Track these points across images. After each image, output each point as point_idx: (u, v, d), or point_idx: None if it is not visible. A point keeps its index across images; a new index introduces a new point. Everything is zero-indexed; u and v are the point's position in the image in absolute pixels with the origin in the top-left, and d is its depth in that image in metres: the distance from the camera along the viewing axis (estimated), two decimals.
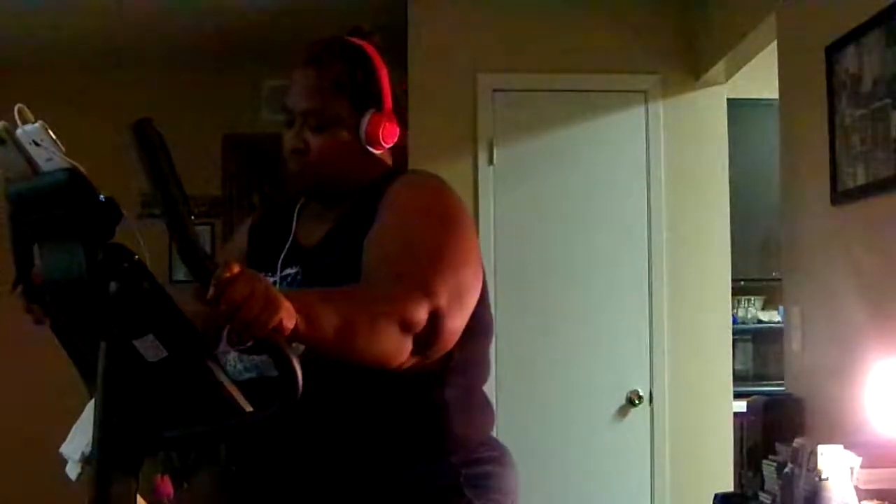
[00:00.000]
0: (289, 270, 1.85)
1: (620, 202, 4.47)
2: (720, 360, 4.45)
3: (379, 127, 1.86)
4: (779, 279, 3.78)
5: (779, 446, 2.86)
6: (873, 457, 2.49)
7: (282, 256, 1.89)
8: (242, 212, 5.97)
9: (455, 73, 4.48)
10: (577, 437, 4.39)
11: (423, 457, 1.81)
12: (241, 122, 5.75)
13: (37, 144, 1.37)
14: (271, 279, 1.81)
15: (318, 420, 1.70)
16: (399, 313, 1.56)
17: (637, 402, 4.38)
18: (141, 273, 1.34)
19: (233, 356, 1.79)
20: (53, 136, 1.37)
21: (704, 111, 4.52)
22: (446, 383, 1.81)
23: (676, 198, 4.47)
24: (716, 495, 3.15)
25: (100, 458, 1.41)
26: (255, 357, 1.78)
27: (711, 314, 4.46)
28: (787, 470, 2.68)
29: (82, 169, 1.36)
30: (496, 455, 1.89)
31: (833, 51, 3.01)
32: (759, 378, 5.03)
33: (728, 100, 4.55)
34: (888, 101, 2.69)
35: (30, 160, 1.38)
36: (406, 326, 1.57)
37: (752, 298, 5.29)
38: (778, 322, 4.94)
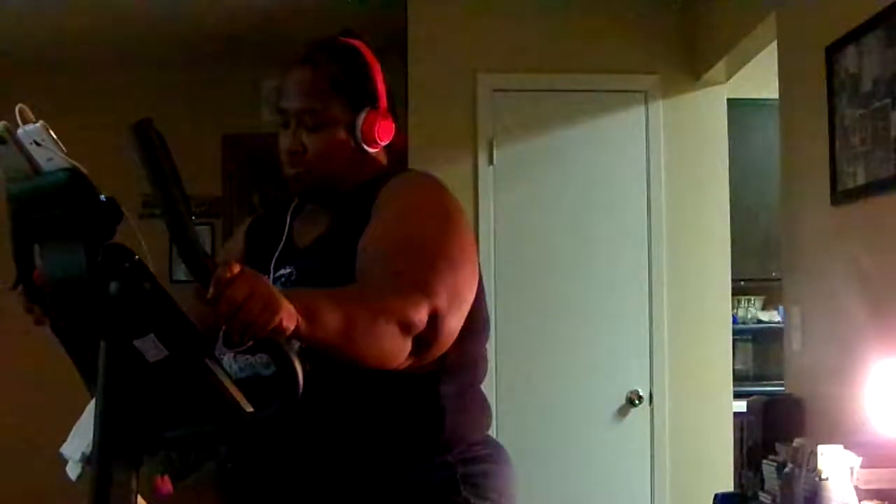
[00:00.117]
0: (282, 271, 1.85)
1: (620, 202, 4.47)
2: (720, 361, 4.45)
3: (375, 125, 1.86)
4: (779, 279, 3.77)
5: (779, 446, 2.86)
6: (873, 457, 2.49)
7: (275, 257, 1.89)
8: (242, 212, 5.98)
9: (455, 73, 4.47)
10: (577, 437, 4.39)
11: (420, 455, 1.81)
12: (240, 122, 5.75)
13: (38, 144, 1.37)
14: None
15: (315, 419, 1.69)
16: (399, 314, 1.56)
17: (637, 402, 4.38)
18: (141, 273, 1.34)
19: (227, 357, 1.79)
20: (54, 136, 1.37)
21: (704, 111, 4.52)
22: (443, 382, 1.81)
23: (676, 198, 4.47)
24: (716, 495, 3.16)
25: (100, 458, 1.41)
26: (249, 357, 1.78)
27: (711, 314, 4.46)
28: (787, 470, 2.68)
29: (83, 169, 1.37)
30: (493, 453, 1.90)
31: (833, 51, 3.01)
32: (759, 378, 5.03)
33: (728, 100, 4.55)
34: (888, 101, 2.69)
35: (31, 160, 1.38)
36: (406, 328, 1.57)
37: (752, 298, 5.30)
38: (778, 322, 4.95)
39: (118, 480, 1.40)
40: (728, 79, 4.47)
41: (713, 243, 4.47)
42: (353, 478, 1.79)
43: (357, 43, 1.90)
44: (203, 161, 5.60)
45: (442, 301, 1.62)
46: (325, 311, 1.45)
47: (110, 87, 5.72)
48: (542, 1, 4.51)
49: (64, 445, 1.59)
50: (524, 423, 4.25)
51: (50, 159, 1.37)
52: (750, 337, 5.23)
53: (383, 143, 1.90)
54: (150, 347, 1.34)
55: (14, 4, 4.74)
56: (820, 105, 3.07)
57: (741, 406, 3.44)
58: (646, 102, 4.49)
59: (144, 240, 1.42)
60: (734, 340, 4.60)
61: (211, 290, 1.29)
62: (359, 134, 1.86)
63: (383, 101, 1.88)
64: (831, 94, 3.02)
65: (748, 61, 4.23)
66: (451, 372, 1.82)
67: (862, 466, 2.47)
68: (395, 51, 4.06)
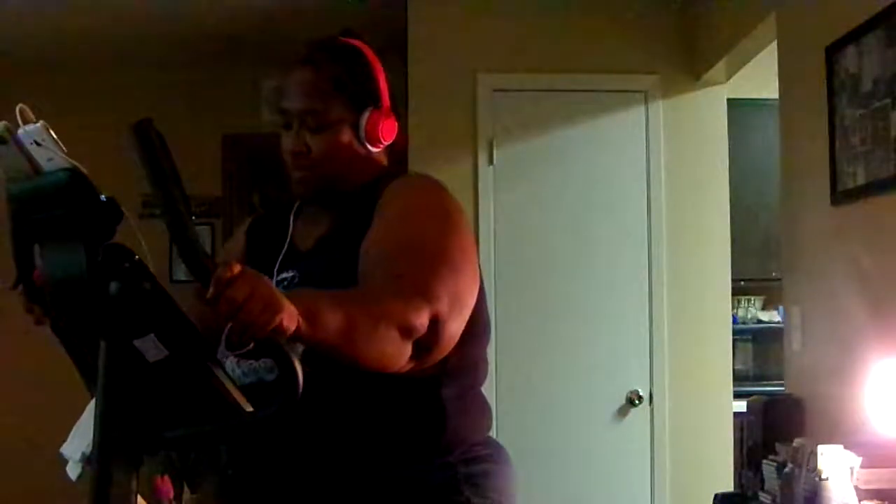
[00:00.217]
0: (285, 274, 1.85)
1: (620, 202, 4.47)
2: (720, 361, 4.45)
3: (378, 125, 1.86)
4: (779, 279, 3.78)
5: (779, 446, 2.86)
6: (873, 457, 2.49)
7: (279, 260, 1.89)
8: (242, 212, 5.98)
9: (455, 73, 4.48)
10: (577, 437, 4.39)
11: (421, 456, 1.80)
12: (240, 122, 5.74)
13: (38, 144, 1.36)
14: None
15: (315, 420, 1.69)
16: (400, 319, 1.56)
17: (637, 402, 4.38)
18: (142, 273, 1.34)
19: (230, 361, 1.79)
20: (54, 136, 1.37)
21: (704, 111, 4.52)
22: (444, 385, 1.81)
23: (676, 198, 4.47)
24: (716, 495, 3.16)
25: (100, 458, 1.41)
26: (252, 362, 1.78)
27: (711, 314, 4.46)
28: (787, 470, 2.68)
29: (83, 169, 1.36)
30: (493, 453, 1.89)
31: (833, 51, 3.01)
32: (759, 378, 5.03)
33: (728, 100, 4.55)
34: (888, 101, 2.69)
35: (31, 160, 1.38)
36: (407, 332, 1.57)
37: (752, 298, 5.30)
38: (778, 322, 4.95)
39: (118, 480, 1.40)
40: (728, 79, 4.47)
41: (713, 243, 4.47)
42: (354, 479, 1.79)
43: (358, 43, 1.90)
44: (203, 161, 5.60)
45: (443, 306, 1.62)
46: (326, 313, 1.45)
47: (110, 87, 5.72)
48: (542, 1, 4.51)
49: (64, 445, 1.58)
50: (524, 424, 4.25)
51: (50, 159, 1.37)
52: (750, 337, 5.23)
53: (386, 143, 1.90)
54: (150, 347, 1.34)
55: (14, 4, 4.74)
56: (820, 105, 3.07)
57: (741, 406, 3.45)
58: (646, 102, 4.49)
59: (144, 240, 1.42)
60: (734, 340, 4.61)
61: (211, 290, 1.29)
62: (362, 134, 1.86)
63: (386, 101, 1.88)
64: (831, 94, 3.02)
65: (748, 61, 4.23)
66: (453, 375, 1.82)
67: (862, 466, 2.48)
68: (395, 51, 4.05)
